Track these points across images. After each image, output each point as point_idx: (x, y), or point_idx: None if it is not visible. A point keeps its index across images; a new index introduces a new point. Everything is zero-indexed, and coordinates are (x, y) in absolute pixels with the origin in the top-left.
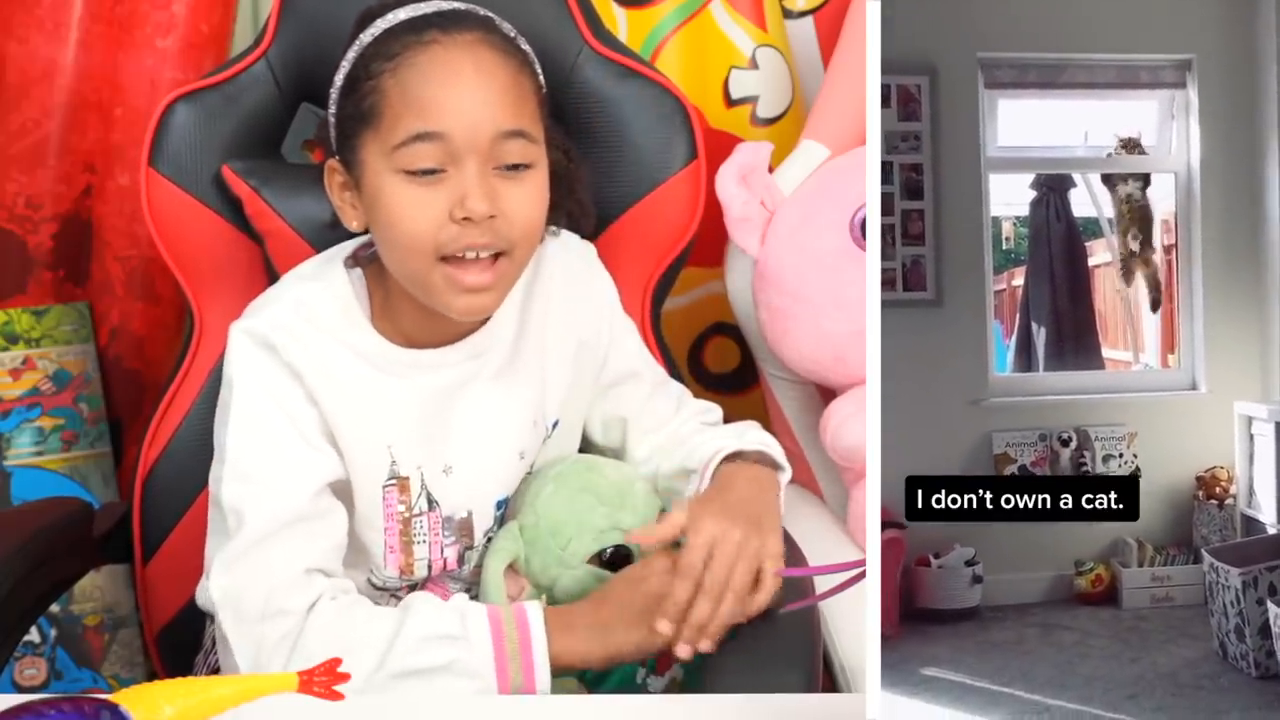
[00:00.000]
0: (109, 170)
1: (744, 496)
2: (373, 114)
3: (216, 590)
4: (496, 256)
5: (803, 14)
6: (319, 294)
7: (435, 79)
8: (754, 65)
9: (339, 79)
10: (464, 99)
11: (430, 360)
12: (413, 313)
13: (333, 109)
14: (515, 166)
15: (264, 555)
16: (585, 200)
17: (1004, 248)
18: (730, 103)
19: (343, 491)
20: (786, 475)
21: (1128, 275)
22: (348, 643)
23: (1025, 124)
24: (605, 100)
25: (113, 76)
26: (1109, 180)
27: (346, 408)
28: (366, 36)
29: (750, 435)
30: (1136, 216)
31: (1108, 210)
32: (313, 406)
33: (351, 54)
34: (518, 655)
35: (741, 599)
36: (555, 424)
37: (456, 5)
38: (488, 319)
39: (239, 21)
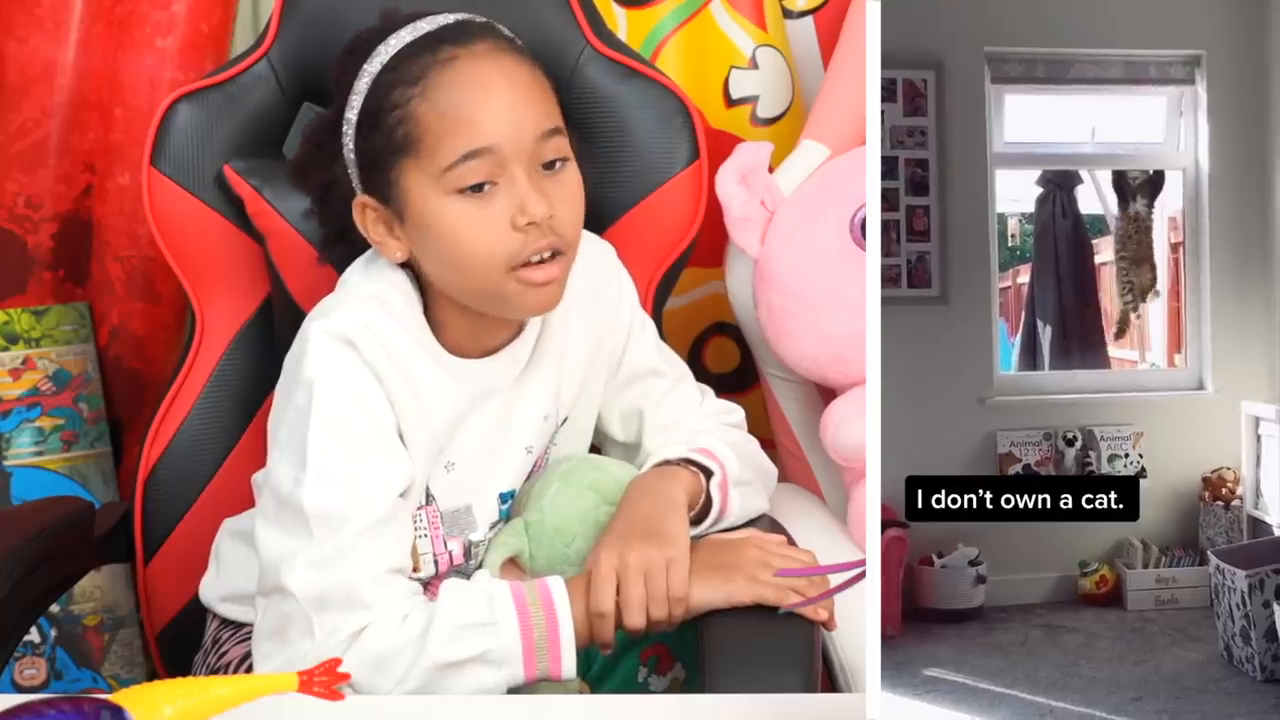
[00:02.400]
0: (109, 170)
1: (639, 513)
2: (409, 141)
3: (299, 585)
4: (555, 254)
5: (803, 14)
6: (391, 292)
7: (469, 95)
8: (754, 65)
9: (352, 116)
10: (503, 109)
11: (476, 370)
12: (459, 322)
13: (350, 146)
14: (552, 164)
15: (352, 557)
16: (589, 192)
17: (1009, 245)
18: (730, 103)
19: None
20: (714, 480)
21: (1130, 292)
22: (399, 641)
23: (1032, 120)
24: (608, 100)
25: (113, 76)
26: (1121, 193)
27: (415, 411)
28: (374, 66)
29: (698, 442)
30: (1140, 239)
31: (1114, 211)
32: (391, 410)
33: (362, 86)
34: (545, 642)
35: (664, 606)
36: (564, 420)
37: (457, 16)
38: (520, 330)
39: (239, 21)
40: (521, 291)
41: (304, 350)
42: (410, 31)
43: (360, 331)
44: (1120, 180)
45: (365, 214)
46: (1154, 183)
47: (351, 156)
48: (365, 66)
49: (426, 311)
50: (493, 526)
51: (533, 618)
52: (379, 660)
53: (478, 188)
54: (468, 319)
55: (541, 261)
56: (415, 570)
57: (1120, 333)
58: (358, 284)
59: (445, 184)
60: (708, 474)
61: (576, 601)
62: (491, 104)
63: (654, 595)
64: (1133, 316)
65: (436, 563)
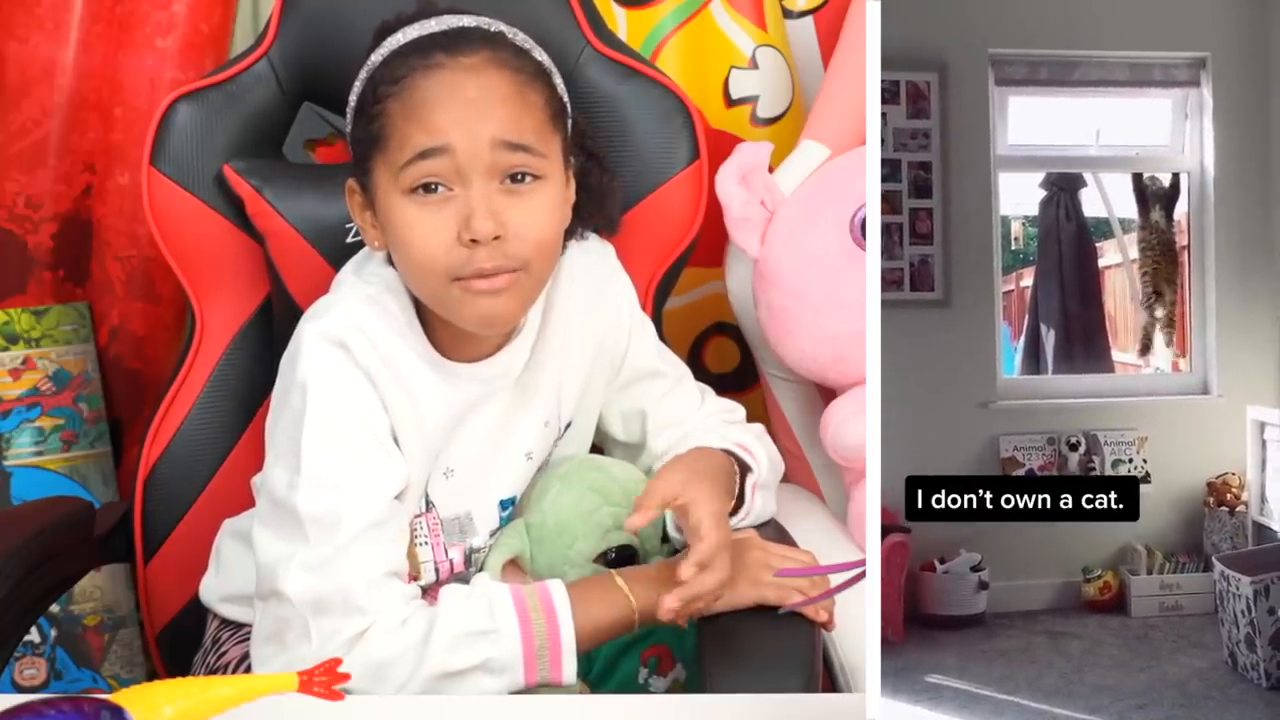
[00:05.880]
0: (109, 170)
1: (710, 466)
2: (380, 137)
3: (295, 589)
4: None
5: (803, 14)
6: (384, 293)
7: (437, 99)
8: (754, 65)
9: (352, 100)
10: (463, 111)
11: (470, 373)
12: (446, 327)
13: (349, 130)
14: (520, 179)
15: (348, 560)
16: (614, 216)
17: (1013, 248)
18: (730, 103)
19: None
20: (751, 477)
21: (1160, 304)
22: (399, 646)
23: (1036, 122)
24: (608, 100)
25: (113, 76)
26: (1142, 198)
27: (409, 414)
28: (376, 58)
29: (733, 435)
30: (1164, 254)
31: (1119, 211)
32: (384, 412)
33: (363, 75)
34: (546, 649)
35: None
36: (568, 425)
37: (465, 22)
38: (515, 333)
39: (239, 21)
40: (466, 300)
41: (297, 352)
42: (418, 29)
43: (353, 334)
44: (1139, 187)
45: (352, 198)
46: (1172, 189)
47: (348, 140)
48: (371, 56)
49: (419, 313)
50: (493, 534)
51: (534, 624)
52: (379, 667)
53: (431, 189)
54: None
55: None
56: (415, 578)
57: (1145, 349)
58: (352, 285)
59: (401, 182)
60: (746, 471)
61: (578, 606)
62: (453, 106)
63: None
64: (1157, 332)
65: (437, 570)
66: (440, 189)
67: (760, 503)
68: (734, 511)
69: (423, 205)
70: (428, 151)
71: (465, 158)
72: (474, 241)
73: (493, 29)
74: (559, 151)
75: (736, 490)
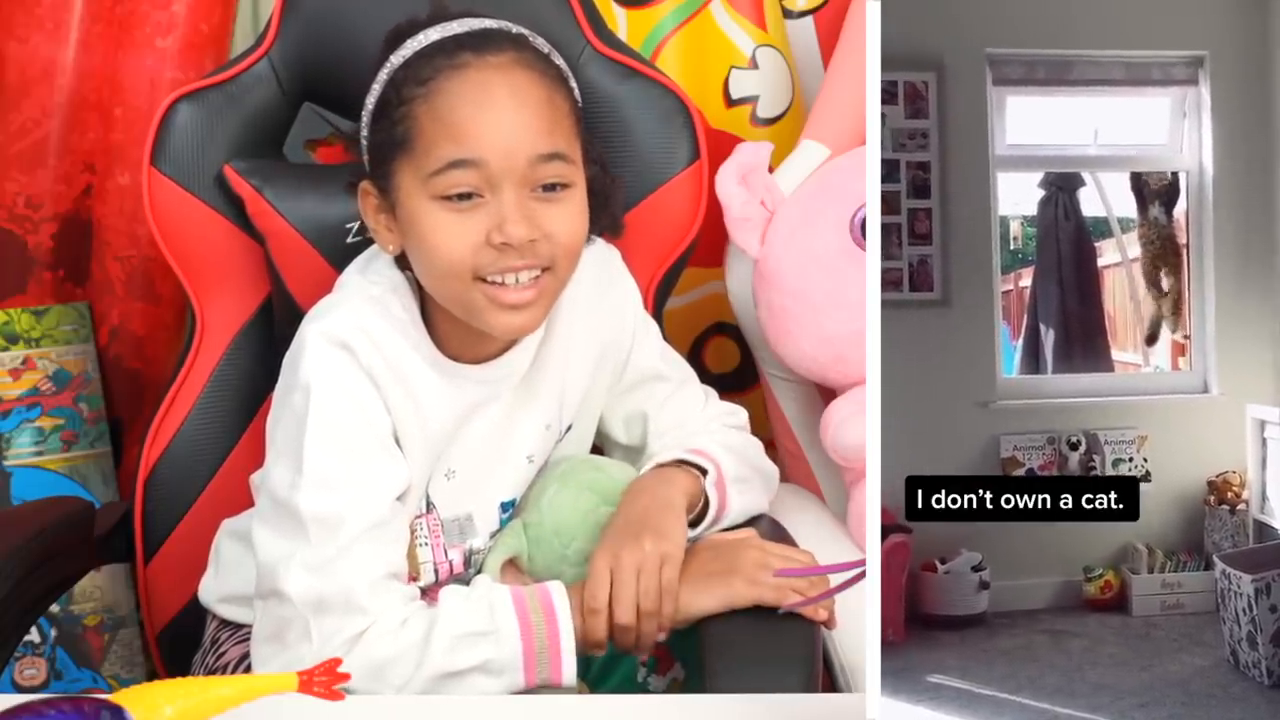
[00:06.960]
0: (109, 170)
1: (635, 512)
2: (406, 140)
3: (296, 589)
4: (540, 273)
5: (803, 14)
6: (388, 295)
7: (468, 104)
8: (754, 65)
9: (370, 103)
10: (499, 124)
11: (476, 375)
12: (455, 327)
13: (365, 133)
14: (553, 187)
15: (349, 560)
16: (618, 216)
17: (1012, 247)
18: (730, 103)
19: None
20: (708, 478)
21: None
22: (399, 647)
23: (1034, 121)
24: (608, 100)
25: (113, 76)
26: (1140, 196)
27: (412, 416)
28: (397, 59)
29: (694, 441)
30: (1165, 247)
31: (1117, 210)
32: (387, 414)
33: (383, 76)
34: (546, 650)
35: (655, 600)
36: (569, 428)
37: (488, 23)
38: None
39: (239, 21)
40: (490, 308)
41: (300, 353)
42: (439, 31)
43: (356, 335)
44: (1138, 185)
45: (366, 200)
46: (1171, 187)
47: (364, 143)
48: (390, 58)
49: (424, 315)
50: (493, 535)
51: (534, 626)
52: (379, 667)
53: (464, 197)
54: (463, 323)
55: (518, 283)
56: (415, 579)
57: (1152, 339)
58: (356, 285)
59: (430, 189)
60: (703, 473)
61: (577, 608)
62: (486, 117)
63: (645, 591)
64: (1165, 328)
65: (437, 571)
66: (472, 197)
67: (737, 498)
68: (704, 514)
69: (454, 211)
70: (459, 162)
71: (498, 169)
72: (504, 244)
73: (514, 31)
74: (580, 156)
75: (702, 497)
